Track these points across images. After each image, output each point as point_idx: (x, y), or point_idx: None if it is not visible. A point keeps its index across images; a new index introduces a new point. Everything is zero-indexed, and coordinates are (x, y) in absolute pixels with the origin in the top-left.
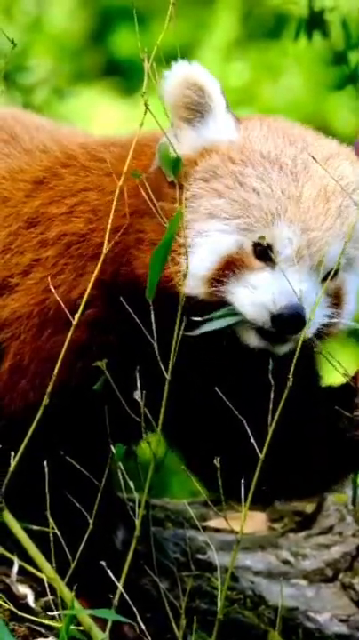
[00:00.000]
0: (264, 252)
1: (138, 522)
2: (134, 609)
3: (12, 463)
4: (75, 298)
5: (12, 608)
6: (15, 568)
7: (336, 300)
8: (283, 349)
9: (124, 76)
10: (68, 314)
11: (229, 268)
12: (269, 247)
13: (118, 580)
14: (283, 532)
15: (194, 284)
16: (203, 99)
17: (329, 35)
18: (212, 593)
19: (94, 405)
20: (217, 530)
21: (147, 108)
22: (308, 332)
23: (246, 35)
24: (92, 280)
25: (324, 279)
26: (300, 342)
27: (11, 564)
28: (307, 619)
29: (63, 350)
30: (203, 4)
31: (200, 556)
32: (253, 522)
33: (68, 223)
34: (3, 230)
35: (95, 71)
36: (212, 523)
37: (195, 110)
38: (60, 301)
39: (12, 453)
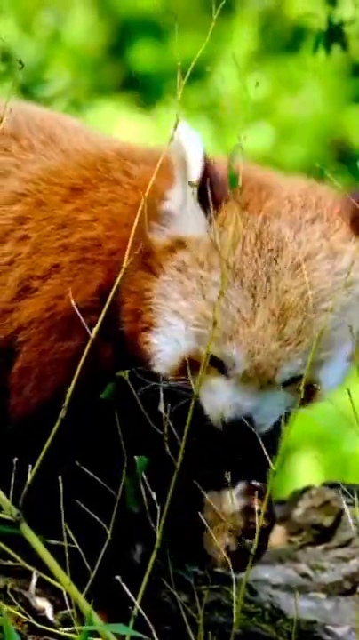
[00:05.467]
0: (218, 364)
1: (159, 533)
2: (152, 623)
3: (29, 476)
4: (78, 303)
5: (32, 621)
6: (34, 581)
7: (306, 395)
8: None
9: (143, 90)
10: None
11: (190, 365)
12: (221, 362)
13: (137, 593)
14: (302, 546)
15: (162, 368)
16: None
17: (348, 47)
18: (231, 606)
19: (94, 415)
20: None
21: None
22: (262, 430)
23: (264, 48)
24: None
25: (286, 384)
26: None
27: (29, 577)
28: (325, 632)
29: (87, 355)
30: (221, 18)
31: (218, 570)
32: (272, 535)
33: (89, 230)
34: (36, 233)
35: (114, 85)
36: None
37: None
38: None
39: (30, 466)
